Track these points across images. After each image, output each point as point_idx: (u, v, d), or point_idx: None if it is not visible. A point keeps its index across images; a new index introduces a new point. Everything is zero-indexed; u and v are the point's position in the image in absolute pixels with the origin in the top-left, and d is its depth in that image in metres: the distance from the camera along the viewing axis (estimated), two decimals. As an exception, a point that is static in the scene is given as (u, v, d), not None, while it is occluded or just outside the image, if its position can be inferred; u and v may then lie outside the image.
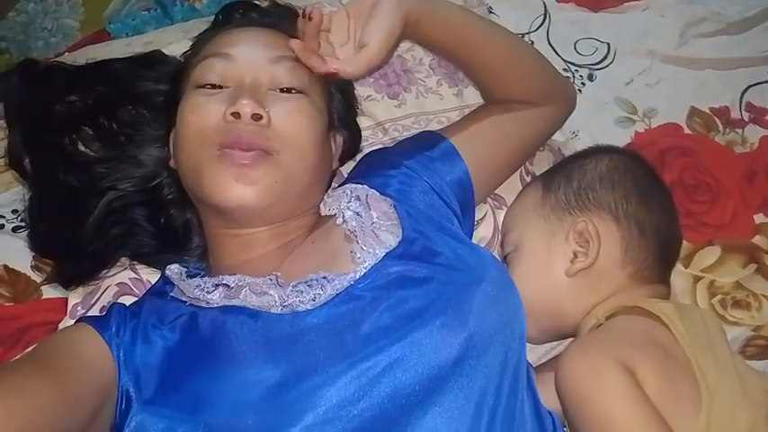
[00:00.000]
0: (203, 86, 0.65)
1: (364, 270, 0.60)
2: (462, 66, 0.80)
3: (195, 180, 0.63)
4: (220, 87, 0.64)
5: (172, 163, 0.70)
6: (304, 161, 0.64)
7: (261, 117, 0.61)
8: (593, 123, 0.92)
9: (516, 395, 0.58)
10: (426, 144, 0.75)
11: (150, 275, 0.75)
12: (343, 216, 0.66)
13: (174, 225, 0.74)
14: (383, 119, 0.85)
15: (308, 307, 0.59)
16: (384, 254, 0.61)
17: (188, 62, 0.70)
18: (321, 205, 0.70)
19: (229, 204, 0.61)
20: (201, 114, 0.63)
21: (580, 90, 0.95)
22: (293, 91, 0.65)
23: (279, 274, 0.62)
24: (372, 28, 0.65)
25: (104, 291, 0.74)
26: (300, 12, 0.67)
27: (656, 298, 0.68)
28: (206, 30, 0.77)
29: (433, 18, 0.70)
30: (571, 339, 0.73)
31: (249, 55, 0.65)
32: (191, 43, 0.81)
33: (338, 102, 0.73)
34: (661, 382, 0.58)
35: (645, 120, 0.95)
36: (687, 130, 0.93)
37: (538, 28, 1.02)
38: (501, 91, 0.78)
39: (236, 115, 0.61)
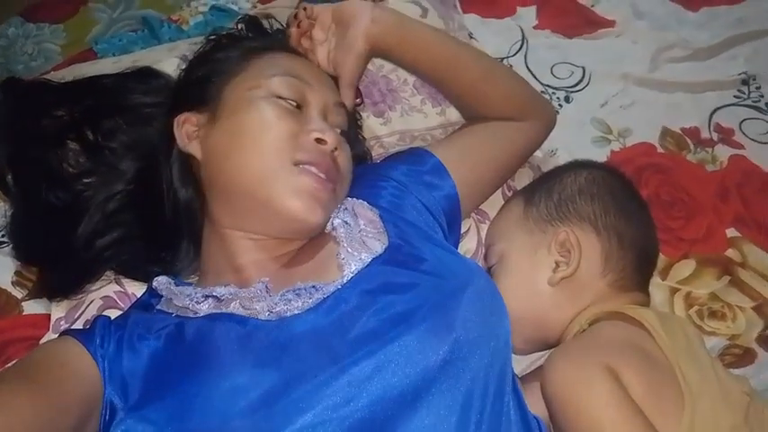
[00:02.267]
0: (282, 98, 0.67)
1: (351, 275, 0.61)
2: (440, 86, 0.85)
3: (261, 182, 0.64)
4: (295, 105, 0.67)
5: (193, 148, 0.69)
6: (344, 195, 0.70)
7: (337, 150, 0.66)
8: (571, 142, 0.95)
9: (502, 398, 0.59)
10: (416, 160, 0.77)
11: (136, 289, 0.74)
12: (332, 224, 0.67)
13: (163, 225, 0.73)
14: (368, 136, 0.87)
15: (296, 312, 0.59)
16: (370, 259, 0.62)
17: (234, 62, 0.71)
18: None
19: (296, 216, 0.63)
20: (285, 125, 0.65)
21: (558, 111, 0.98)
22: (343, 133, 0.71)
23: (268, 279, 0.63)
24: (342, 57, 0.74)
25: (89, 304, 0.73)
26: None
27: (636, 305, 0.69)
28: (236, 37, 0.77)
29: (403, 45, 0.77)
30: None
31: (323, 91, 0.70)
32: (178, 61, 0.82)
33: (352, 133, 0.78)
34: (644, 386, 0.59)
35: (620, 139, 0.98)
36: (660, 149, 0.97)
37: (516, 53, 1.06)
38: (480, 109, 0.81)
39: (323, 141, 0.65)
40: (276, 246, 0.67)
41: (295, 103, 0.68)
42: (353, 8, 0.75)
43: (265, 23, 0.81)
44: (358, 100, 0.76)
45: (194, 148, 0.69)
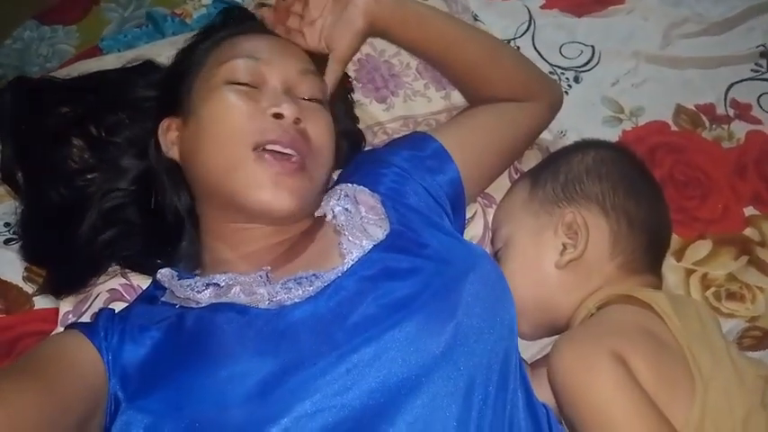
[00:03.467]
0: (234, 83, 0.65)
1: (351, 263, 0.61)
2: (441, 67, 0.82)
3: (225, 176, 0.63)
4: (252, 87, 0.65)
5: (173, 153, 0.69)
6: (325, 169, 0.67)
7: (300, 121, 0.63)
8: (581, 123, 0.93)
9: (507, 386, 0.58)
10: (417, 145, 0.76)
11: (141, 282, 0.74)
12: (333, 212, 0.67)
13: (164, 224, 0.73)
14: (371, 122, 0.86)
15: (297, 301, 0.59)
16: (371, 246, 0.61)
17: (197, 59, 0.70)
18: None
19: (263, 207, 0.61)
20: (237, 110, 0.63)
21: (567, 92, 0.96)
22: (315, 101, 0.67)
23: (269, 268, 0.62)
24: (339, 33, 0.71)
25: (95, 298, 0.73)
26: None
27: (647, 288, 0.67)
28: (211, 27, 0.76)
29: (404, 24, 0.74)
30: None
31: (281, 62, 0.67)
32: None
33: (340, 112, 0.75)
34: (653, 372, 0.57)
35: (632, 118, 0.96)
36: (674, 128, 0.94)
37: (523, 33, 1.04)
38: (483, 90, 0.79)
39: (279, 116, 0.62)
40: (271, 234, 0.66)
41: (249, 85, 0.65)
42: None
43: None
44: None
45: (174, 153, 0.69)
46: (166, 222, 0.72)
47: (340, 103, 0.76)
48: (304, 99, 0.67)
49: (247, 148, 0.62)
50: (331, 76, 0.72)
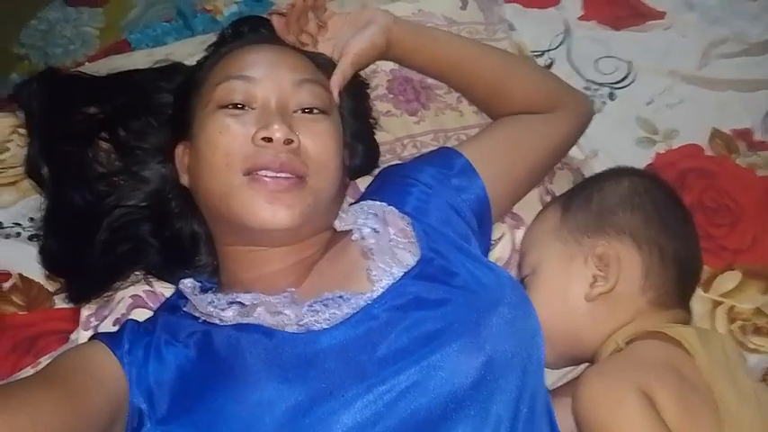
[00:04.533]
0: (226, 106, 0.64)
1: (381, 290, 0.60)
2: (459, 87, 0.84)
3: (222, 201, 0.63)
4: (244, 108, 0.64)
5: (184, 180, 0.70)
6: (330, 182, 0.65)
7: (292, 141, 0.62)
8: (613, 143, 0.91)
9: (533, 421, 0.58)
10: (443, 160, 0.75)
11: (164, 289, 0.74)
12: (361, 232, 0.66)
13: (180, 240, 0.73)
14: (402, 135, 0.85)
15: (324, 326, 0.58)
16: (402, 274, 0.61)
17: (200, 77, 0.69)
18: (336, 221, 0.70)
19: (263, 227, 0.61)
20: (229, 136, 0.62)
21: (600, 109, 0.94)
22: (316, 111, 0.66)
23: (294, 290, 0.62)
24: (357, 40, 0.73)
25: (118, 303, 0.73)
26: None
27: (676, 323, 0.67)
28: (215, 43, 0.77)
29: (421, 48, 0.77)
30: (587, 364, 0.73)
31: (273, 77, 0.65)
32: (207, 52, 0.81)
33: (353, 117, 0.73)
34: (680, 410, 0.57)
35: (665, 140, 0.94)
36: (709, 152, 0.92)
37: (558, 45, 1.02)
38: (503, 104, 0.80)
39: (268, 140, 0.61)
40: (287, 254, 0.65)
41: (241, 106, 0.64)
42: (374, 12, 0.76)
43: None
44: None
45: (185, 179, 0.69)
46: (182, 244, 0.72)
47: (351, 106, 0.74)
48: (303, 111, 0.65)
49: (239, 173, 0.61)
50: (339, 75, 0.70)
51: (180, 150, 0.70)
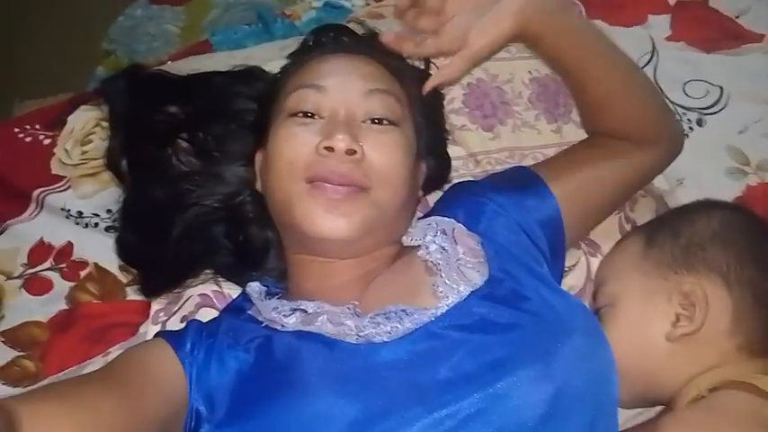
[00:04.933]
0: (296, 115, 0.64)
1: (446, 307, 0.58)
2: (573, 87, 0.78)
3: (285, 208, 0.63)
4: (314, 116, 0.64)
5: (258, 185, 0.70)
6: (396, 194, 0.63)
7: (355, 152, 0.61)
8: (701, 172, 0.86)
9: (604, 463, 0.54)
10: (517, 180, 0.72)
11: (232, 290, 0.74)
12: (428, 248, 0.64)
13: (252, 245, 0.73)
14: (476, 150, 0.83)
15: (385, 339, 0.57)
16: (469, 292, 0.59)
17: (279, 86, 0.70)
18: (404, 236, 0.68)
19: (321, 236, 0.60)
20: (294, 144, 0.63)
21: (687, 135, 0.89)
22: (385, 122, 0.64)
23: (357, 303, 0.60)
24: (479, 30, 0.66)
25: (186, 300, 0.74)
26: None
27: (767, 374, 0.61)
28: (296, 52, 0.77)
29: (557, 34, 0.69)
30: (661, 407, 0.68)
31: (343, 87, 0.65)
32: (287, 61, 0.82)
33: (427, 129, 0.72)
34: (772, 473, 0.52)
35: (758, 172, 0.88)
36: (806, 186, 0.86)
37: (645, 65, 0.96)
38: (603, 123, 0.75)
39: (330, 149, 0.61)
40: (352, 267, 0.64)
41: (311, 114, 0.64)
42: None
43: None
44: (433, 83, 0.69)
45: (259, 185, 0.70)
46: (254, 247, 0.73)
47: (426, 117, 0.71)
48: (372, 121, 0.64)
49: (301, 181, 0.61)
50: (451, 72, 0.67)
51: (259, 157, 0.70)
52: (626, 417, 0.70)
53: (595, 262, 0.76)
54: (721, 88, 0.93)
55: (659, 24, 1.00)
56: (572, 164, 0.74)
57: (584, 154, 0.75)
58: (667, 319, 0.64)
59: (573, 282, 0.75)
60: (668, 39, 0.99)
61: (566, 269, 0.74)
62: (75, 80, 1.44)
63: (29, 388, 0.72)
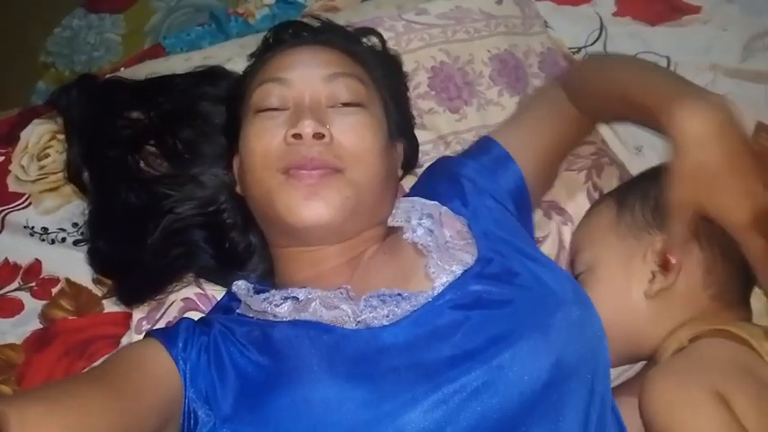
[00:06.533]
0: (263, 111, 0.64)
1: (441, 287, 0.59)
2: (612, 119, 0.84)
3: (266, 203, 0.63)
4: (280, 110, 0.64)
5: (238, 189, 0.70)
6: (371, 173, 0.64)
7: (323, 135, 0.61)
8: (657, 139, 0.89)
9: (604, 425, 0.56)
10: (482, 152, 0.74)
11: (216, 291, 0.74)
12: (415, 231, 0.65)
13: (234, 246, 0.73)
14: (445, 132, 0.84)
15: (384, 323, 0.57)
16: (461, 271, 0.60)
17: (244, 86, 0.70)
18: (389, 217, 0.69)
19: (305, 224, 0.60)
20: (264, 139, 0.63)
21: (641, 105, 0.93)
22: (351, 105, 0.65)
23: (349, 287, 0.61)
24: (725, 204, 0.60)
25: (169, 306, 0.73)
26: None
27: (741, 321, 0.65)
28: (257, 51, 0.76)
29: None
30: (643, 363, 0.71)
31: (305, 75, 0.65)
32: (250, 60, 0.81)
33: (395, 111, 0.72)
34: (758, 415, 0.54)
35: (708, 135, 0.92)
36: (754, 146, 0.90)
37: (594, 42, 1.00)
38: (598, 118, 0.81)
39: (298, 137, 0.61)
40: (339, 252, 0.64)
41: (276, 108, 0.64)
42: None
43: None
44: None
45: (239, 188, 0.70)
46: (236, 249, 0.72)
47: (392, 103, 0.72)
48: (338, 105, 0.64)
49: (277, 173, 0.62)
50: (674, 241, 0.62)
51: (236, 162, 0.70)
52: (613, 375, 0.73)
53: (567, 230, 0.78)
54: (668, 58, 0.97)
55: (605, 2, 1.04)
56: (525, 127, 0.77)
57: (532, 112, 0.79)
58: (645, 278, 0.66)
59: (546, 251, 0.77)
60: (615, 14, 1.02)
61: (539, 239, 0.77)
62: (16, 95, 1.39)
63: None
